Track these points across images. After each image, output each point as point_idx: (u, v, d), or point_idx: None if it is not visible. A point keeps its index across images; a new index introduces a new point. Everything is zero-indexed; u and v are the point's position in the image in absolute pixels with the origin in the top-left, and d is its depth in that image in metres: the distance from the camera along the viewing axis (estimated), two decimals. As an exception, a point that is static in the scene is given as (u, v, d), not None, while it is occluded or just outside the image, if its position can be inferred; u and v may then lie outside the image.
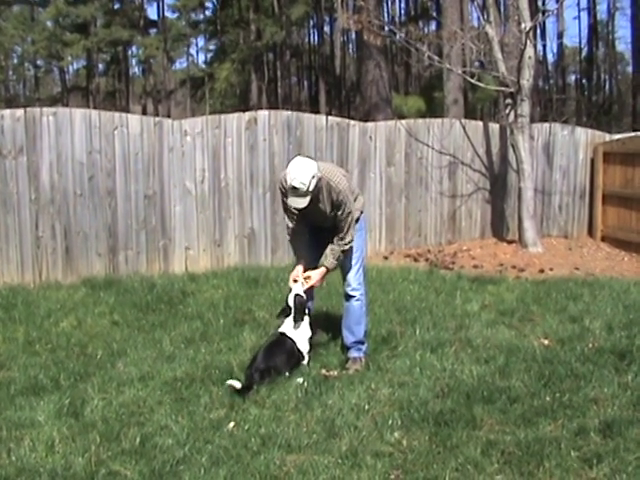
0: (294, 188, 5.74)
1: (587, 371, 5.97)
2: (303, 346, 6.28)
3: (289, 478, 4.34)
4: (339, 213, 6.09)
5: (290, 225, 6.34)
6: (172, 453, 4.66)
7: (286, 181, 5.93)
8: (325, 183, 6.01)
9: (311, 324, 6.42)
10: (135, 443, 4.81)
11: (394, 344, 6.85)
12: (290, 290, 6.35)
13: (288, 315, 6.31)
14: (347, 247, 6.24)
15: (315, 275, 6.29)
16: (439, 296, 8.78)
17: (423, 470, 4.41)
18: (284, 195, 6.12)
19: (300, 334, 6.28)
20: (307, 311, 6.37)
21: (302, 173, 5.74)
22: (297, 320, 6.26)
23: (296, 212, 6.17)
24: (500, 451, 4.61)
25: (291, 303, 6.28)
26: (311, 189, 5.78)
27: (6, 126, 9.38)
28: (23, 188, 9.51)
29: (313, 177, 5.78)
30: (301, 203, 5.82)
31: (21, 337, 7.25)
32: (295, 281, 6.33)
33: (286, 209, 6.26)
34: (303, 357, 6.28)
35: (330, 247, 6.23)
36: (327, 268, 6.28)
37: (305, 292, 6.31)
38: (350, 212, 6.14)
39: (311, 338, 6.40)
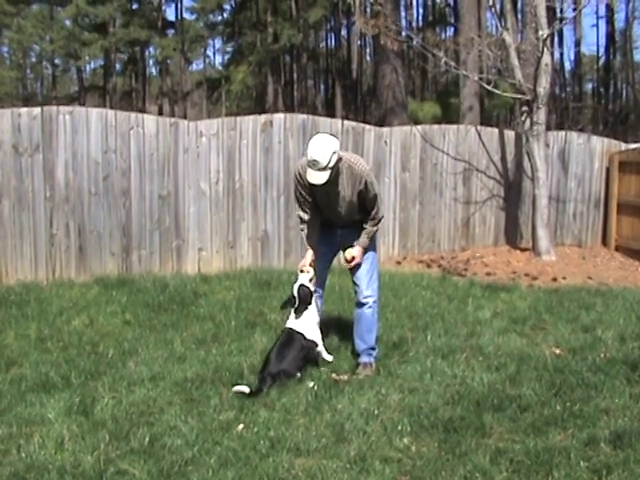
0: (314, 161, 5.73)
1: (598, 381, 5.93)
2: (313, 334, 6.26)
3: (297, 481, 4.34)
4: (369, 195, 6.14)
5: (302, 216, 6.32)
6: (181, 453, 4.67)
7: (302, 168, 6.02)
8: (346, 166, 6.03)
9: (320, 327, 6.40)
10: (144, 443, 4.82)
11: (405, 350, 6.83)
12: (296, 280, 6.35)
13: (293, 305, 6.30)
14: (379, 224, 6.35)
15: (357, 255, 6.27)
16: (451, 303, 8.77)
17: (431, 477, 4.39)
18: (299, 183, 6.15)
19: (307, 323, 6.25)
20: (313, 298, 6.33)
21: (324, 146, 5.76)
22: (300, 311, 6.24)
23: (310, 200, 6.20)
24: (509, 460, 4.58)
25: (296, 293, 6.28)
26: (331, 165, 5.78)
27: (23, 124, 9.43)
28: (38, 185, 9.55)
29: (334, 153, 5.79)
30: (320, 178, 5.79)
31: (33, 334, 7.27)
32: (302, 271, 6.32)
33: (299, 200, 6.27)
34: (316, 344, 6.28)
35: (363, 229, 6.28)
36: (362, 247, 6.30)
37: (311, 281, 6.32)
38: (377, 194, 6.20)
39: (320, 326, 6.39)
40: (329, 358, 6.47)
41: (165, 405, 5.50)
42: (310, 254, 6.34)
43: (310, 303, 6.29)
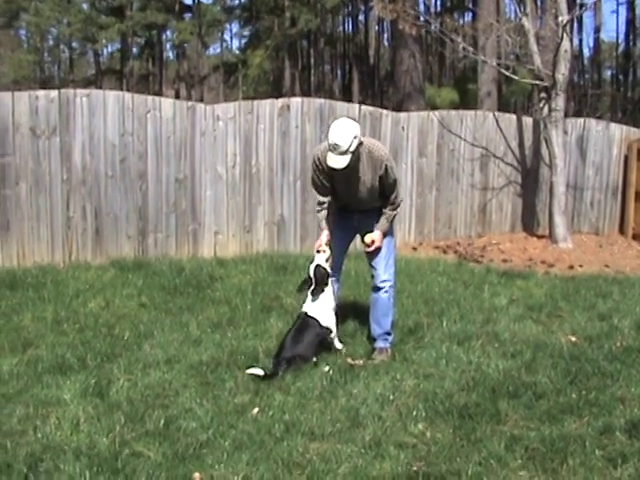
0: (336, 145, 5.70)
1: (614, 370, 5.91)
2: (328, 321, 6.22)
3: (311, 466, 4.33)
4: (389, 180, 6.13)
5: (319, 198, 6.32)
6: (196, 436, 4.68)
7: (322, 153, 6.01)
8: (366, 151, 6.01)
9: (335, 312, 6.37)
10: (159, 425, 4.84)
11: (421, 335, 6.83)
12: (312, 261, 6.32)
13: (310, 287, 6.25)
14: (398, 209, 6.35)
15: (378, 239, 6.25)
16: (467, 289, 8.75)
17: (446, 463, 4.38)
18: (317, 168, 6.14)
19: (323, 308, 6.21)
20: (329, 282, 6.29)
21: (345, 130, 5.74)
22: (317, 292, 6.19)
23: (327, 186, 6.19)
24: (524, 447, 4.57)
25: (312, 274, 6.24)
26: (352, 149, 5.76)
27: (40, 106, 9.43)
28: (55, 168, 9.57)
29: (355, 137, 5.76)
30: (340, 162, 5.76)
31: (50, 316, 7.30)
32: (318, 251, 6.29)
33: (316, 185, 6.26)
34: (330, 331, 6.24)
35: (383, 213, 6.28)
36: (382, 231, 6.29)
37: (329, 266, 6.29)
38: (396, 178, 6.20)
39: (336, 310, 6.36)
40: (340, 346, 6.41)
41: (180, 388, 5.51)
42: (326, 234, 6.31)
43: (327, 284, 6.24)
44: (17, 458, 4.35)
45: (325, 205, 6.31)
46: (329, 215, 6.34)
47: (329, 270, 6.28)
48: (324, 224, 6.34)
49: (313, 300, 6.23)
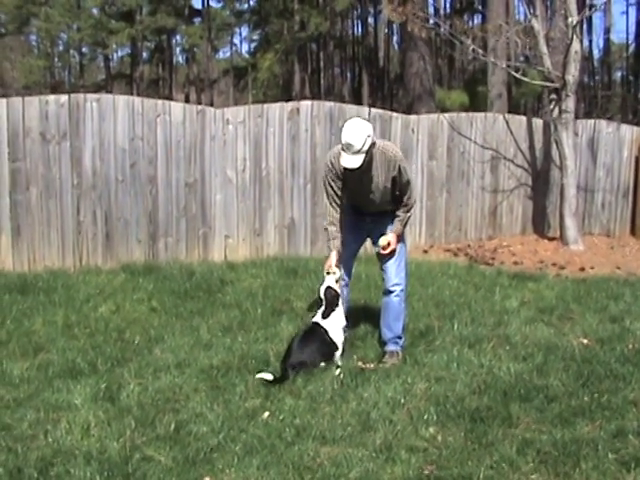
0: (349, 144, 5.69)
1: (627, 372, 5.87)
2: (336, 336, 6.17)
3: (322, 470, 4.32)
4: (402, 181, 6.11)
5: (330, 208, 6.23)
6: (206, 441, 4.67)
7: (334, 157, 6.00)
8: (379, 152, 6.00)
9: (346, 315, 6.34)
10: (170, 429, 4.83)
11: (432, 338, 6.80)
12: (323, 281, 6.28)
13: (320, 307, 6.23)
14: (412, 210, 6.35)
15: (393, 241, 6.20)
16: (478, 292, 8.72)
17: (457, 467, 4.36)
18: (330, 172, 6.11)
19: (333, 323, 6.17)
20: (340, 300, 6.24)
21: (358, 130, 5.74)
22: (327, 313, 6.15)
23: (340, 194, 6.15)
24: (536, 450, 4.55)
25: (323, 295, 6.21)
26: (365, 148, 5.74)
27: (50, 111, 9.46)
28: (66, 173, 9.59)
29: (368, 136, 5.75)
30: (354, 162, 5.75)
31: (60, 321, 7.31)
32: (328, 273, 6.25)
33: (328, 192, 6.21)
34: (337, 347, 6.18)
35: (397, 215, 6.26)
36: (397, 234, 6.26)
37: (338, 282, 6.24)
38: (410, 179, 6.18)
39: (346, 327, 6.30)
40: (339, 363, 6.16)
41: (191, 392, 5.51)
42: (334, 255, 6.24)
43: (337, 305, 6.21)
44: (28, 462, 4.36)
45: (335, 221, 6.23)
46: (338, 235, 6.23)
47: (339, 292, 6.24)
48: (333, 244, 6.25)
49: (324, 319, 6.19)
